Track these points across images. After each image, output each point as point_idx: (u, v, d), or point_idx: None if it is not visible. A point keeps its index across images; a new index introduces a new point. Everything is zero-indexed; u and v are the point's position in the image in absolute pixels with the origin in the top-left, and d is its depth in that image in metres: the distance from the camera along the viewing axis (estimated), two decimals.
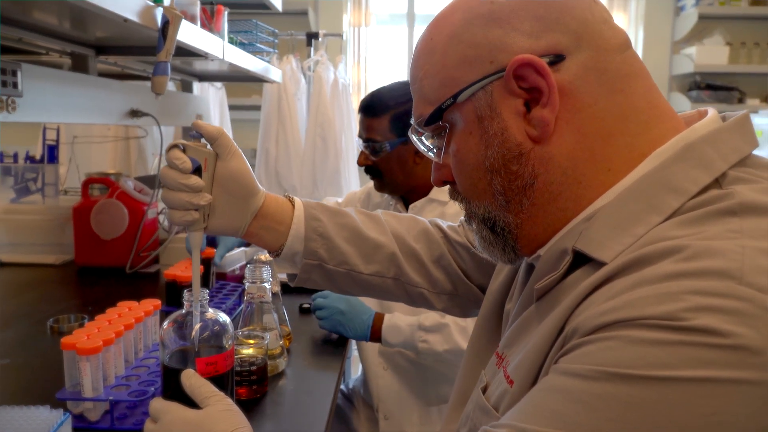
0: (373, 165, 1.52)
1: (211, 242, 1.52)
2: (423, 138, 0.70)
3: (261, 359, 1.02)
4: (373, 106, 1.50)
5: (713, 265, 0.46)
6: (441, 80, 0.65)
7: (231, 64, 1.93)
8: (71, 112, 1.53)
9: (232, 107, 3.39)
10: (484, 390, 0.66)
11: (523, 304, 0.66)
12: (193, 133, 0.79)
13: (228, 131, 3.28)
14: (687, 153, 0.56)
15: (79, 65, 1.73)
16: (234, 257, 1.66)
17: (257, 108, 3.47)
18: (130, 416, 0.93)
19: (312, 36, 3.11)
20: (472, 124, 0.63)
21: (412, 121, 0.71)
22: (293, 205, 0.90)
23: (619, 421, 0.44)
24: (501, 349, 0.66)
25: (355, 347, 1.65)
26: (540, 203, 0.62)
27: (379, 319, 1.41)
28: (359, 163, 1.55)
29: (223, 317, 0.85)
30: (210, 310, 0.85)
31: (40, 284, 1.74)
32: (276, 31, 2.42)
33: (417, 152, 1.46)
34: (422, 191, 1.54)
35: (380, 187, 1.56)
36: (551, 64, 0.58)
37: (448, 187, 1.60)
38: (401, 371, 1.53)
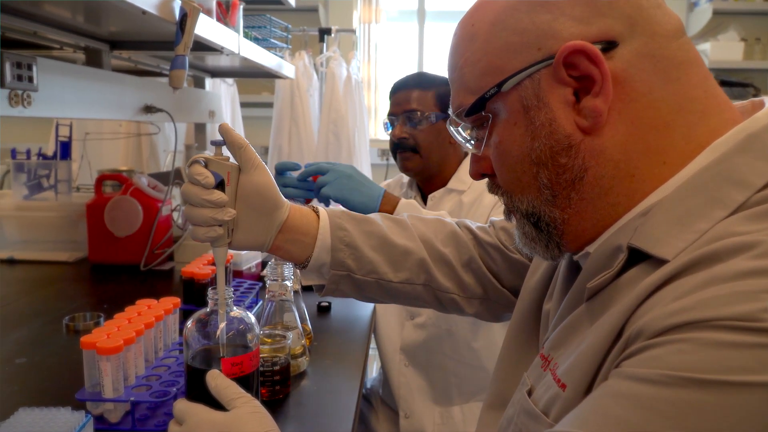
0: (410, 138, 1.50)
1: None
2: (461, 129, 0.67)
3: (284, 359, 0.99)
4: (418, 80, 1.54)
5: None
6: (483, 68, 0.61)
7: (244, 60, 1.91)
8: (86, 107, 1.50)
9: (243, 104, 3.36)
10: (530, 393, 0.63)
11: (570, 303, 0.63)
12: (218, 140, 0.78)
13: (240, 128, 3.26)
14: (750, 144, 0.53)
15: (93, 60, 1.71)
16: (250, 255, 1.64)
17: (268, 105, 3.44)
18: (152, 417, 0.90)
19: (324, 32, 3.07)
20: (517, 115, 0.60)
21: (450, 112, 0.68)
22: (318, 216, 0.88)
23: (695, 429, 0.41)
24: (546, 351, 0.63)
25: (374, 345, 1.62)
26: (589, 198, 0.59)
27: (392, 197, 1.31)
28: (395, 136, 1.52)
29: (249, 316, 0.83)
30: (235, 308, 0.82)
31: (53, 282, 1.72)
32: (289, 26, 2.39)
33: None
34: (442, 180, 1.54)
35: (410, 164, 1.53)
36: (603, 51, 0.55)
37: (466, 176, 1.56)
38: (423, 368, 1.50)
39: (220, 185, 0.77)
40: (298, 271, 1.00)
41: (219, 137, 0.79)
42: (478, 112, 0.63)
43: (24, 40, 1.53)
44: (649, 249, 0.52)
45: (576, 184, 0.59)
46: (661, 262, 0.50)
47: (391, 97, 1.57)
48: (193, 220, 0.78)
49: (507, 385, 0.73)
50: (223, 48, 1.60)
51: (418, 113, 1.49)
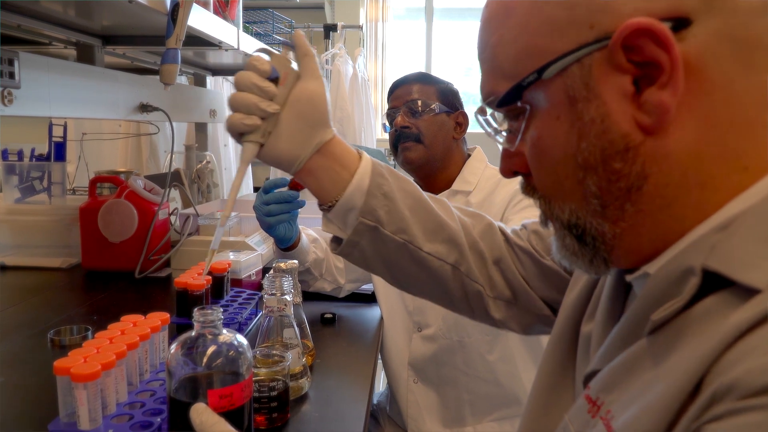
0: (412, 127, 1.45)
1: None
2: (490, 118, 0.57)
3: (282, 383, 0.89)
4: (419, 76, 1.53)
5: None
6: (521, 49, 0.51)
7: (246, 55, 1.82)
8: (75, 106, 1.41)
9: None
10: None
11: (624, 335, 0.52)
12: (288, 42, 0.75)
13: None
14: None
15: (85, 56, 1.62)
16: (250, 261, 1.54)
17: None
18: None
19: (330, 28, 2.99)
20: (561, 107, 0.49)
21: (480, 101, 0.58)
22: (360, 157, 0.80)
23: None
24: (595, 394, 0.52)
25: (380, 358, 1.53)
26: (648, 210, 0.48)
27: None
28: (397, 124, 1.47)
29: (240, 339, 0.73)
30: (225, 331, 0.73)
31: (43, 290, 1.63)
32: (293, 22, 2.30)
33: (456, 129, 1.47)
34: (445, 180, 1.47)
35: (413, 155, 1.45)
36: (674, 31, 0.44)
37: (471, 176, 1.44)
38: (433, 384, 1.40)
39: (275, 81, 0.73)
40: (299, 284, 0.92)
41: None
42: (513, 103, 0.52)
43: (9, 35, 1.44)
44: (732, 274, 0.41)
45: (632, 194, 0.49)
46: (749, 291, 0.40)
47: (390, 95, 1.53)
48: (235, 104, 0.73)
49: (542, 419, 0.63)
50: (221, 42, 1.51)
51: (421, 102, 1.45)
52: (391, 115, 1.49)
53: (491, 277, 0.85)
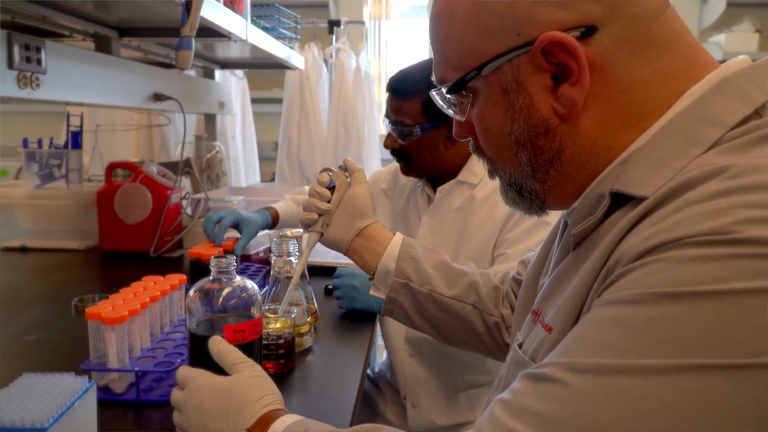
0: (401, 149, 1.44)
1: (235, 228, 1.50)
2: (444, 93, 0.67)
3: (288, 333, 0.99)
4: (403, 88, 1.40)
5: (761, 179, 0.44)
6: (463, 48, 0.61)
7: (253, 48, 1.91)
8: (95, 93, 1.52)
9: (253, 100, 3.37)
10: (520, 347, 0.63)
11: (559, 258, 0.64)
12: (344, 166, 1.04)
13: (250, 123, 3.27)
14: (723, 87, 0.54)
15: (103, 47, 1.72)
16: (258, 240, 1.64)
17: (278, 101, 3.46)
18: (156, 388, 0.91)
19: (334, 23, 3.08)
20: (497, 95, 0.61)
21: (433, 79, 0.68)
22: (394, 234, 1.02)
23: (671, 341, 0.42)
24: (537, 306, 0.64)
25: (380, 334, 1.62)
26: (568, 173, 0.61)
27: None
28: (386, 146, 1.47)
29: (250, 284, 0.83)
30: (237, 277, 0.83)
31: (64, 268, 1.73)
32: (298, 17, 2.40)
33: (449, 137, 1.41)
34: (452, 173, 1.47)
35: (408, 171, 1.49)
36: (582, 37, 0.55)
37: (477, 167, 1.56)
38: (428, 358, 1.49)
39: (333, 189, 1.01)
40: (304, 251, 1.01)
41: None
42: (459, 91, 0.63)
43: (33, 26, 1.54)
44: (629, 190, 0.53)
45: (554, 163, 0.61)
46: (641, 201, 0.51)
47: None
48: (304, 206, 1.01)
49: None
50: (230, 33, 1.60)
51: (404, 127, 1.40)
52: (386, 122, 1.49)
53: (503, 311, 0.99)
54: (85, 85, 1.47)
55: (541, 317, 0.61)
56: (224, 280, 0.81)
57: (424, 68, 1.42)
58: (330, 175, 1.02)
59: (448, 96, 0.65)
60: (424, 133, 1.39)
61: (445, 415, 1.45)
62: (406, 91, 1.39)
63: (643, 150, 0.55)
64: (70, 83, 1.40)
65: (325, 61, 3.12)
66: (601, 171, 0.58)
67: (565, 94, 0.56)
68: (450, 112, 0.67)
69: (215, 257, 0.81)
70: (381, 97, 4.07)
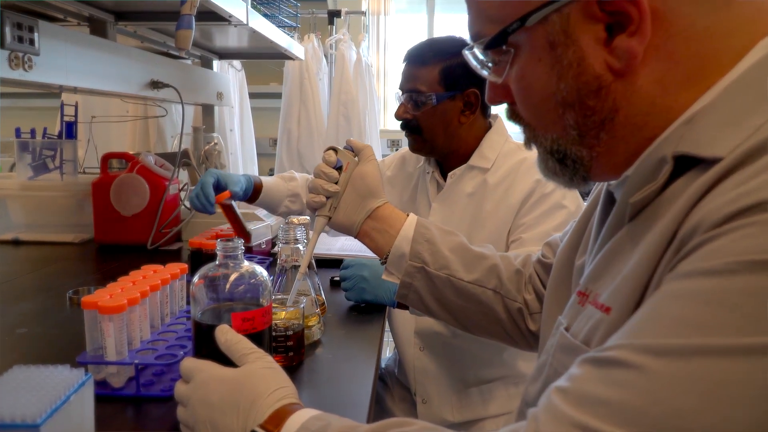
0: (413, 119, 1.38)
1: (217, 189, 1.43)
2: (477, 52, 0.61)
3: (298, 325, 0.93)
4: (422, 54, 1.38)
5: None
6: None
7: (253, 35, 1.86)
8: (90, 77, 1.45)
9: (251, 95, 3.31)
10: (567, 330, 0.57)
11: (608, 233, 0.57)
12: (350, 146, 0.97)
13: (248, 116, 3.21)
14: None
15: (98, 32, 1.65)
16: (260, 231, 1.58)
17: (276, 96, 3.39)
18: (158, 383, 0.85)
19: (334, 14, 3.02)
20: (542, 51, 0.54)
21: (468, 40, 0.62)
22: (407, 216, 0.95)
23: None
24: (584, 286, 0.57)
25: (388, 329, 1.56)
26: (621, 136, 0.54)
27: None
28: (397, 116, 1.41)
29: (259, 269, 0.77)
30: (245, 262, 0.77)
31: (58, 260, 1.67)
32: (298, 5, 2.34)
33: (463, 111, 1.37)
34: (462, 156, 1.42)
35: (416, 146, 1.43)
36: None
37: (489, 151, 1.49)
38: (438, 352, 1.43)
39: (340, 169, 0.94)
40: (312, 236, 0.96)
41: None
42: (499, 46, 0.57)
43: (26, 8, 1.47)
44: (699, 152, 0.47)
45: (606, 125, 0.54)
46: (712, 163, 0.45)
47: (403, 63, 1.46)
48: (310, 187, 0.95)
49: (543, 348, 0.68)
50: (231, 16, 1.54)
51: (419, 96, 1.36)
52: (399, 94, 1.45)
53: (526, 296, 0.93)
54: (80, 69, 1.40)
55: (592, 298, 0.54)
56: (231, 264, 0.76)
57: (447, 40, 1.41)
58: (337, 155, 0.95)
59: (483, 56, 0.59)
60: (439, 102, 1.36)
61: (456, 412, 1.40)
62: (425, 57, 1.38)
63: (712, 108, 0.49)
64: (65, 66, 1.34)
65: (325, 55, 3.06)
66: (660, 133, 0.52)
67: (622, 46, 0.50)
68: (484, 73, 0.61)
69: (221, 240, 0.75)
70: (381, 93, 4.01)
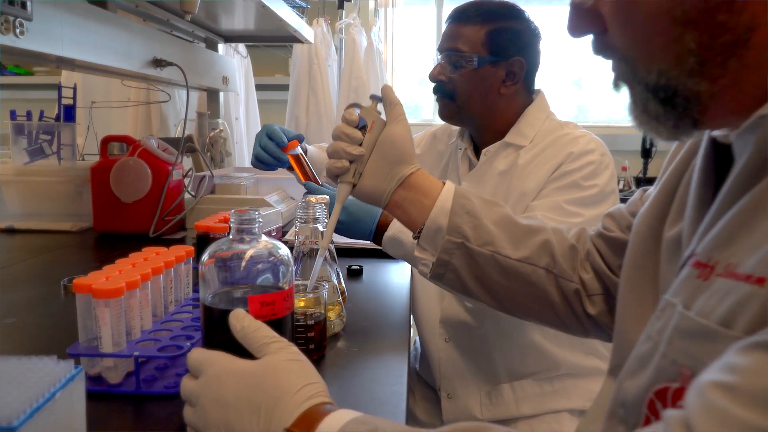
0: (449, 82, 1.28)
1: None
2: None
3: (320, 314, 0.82)
4: (469, 12, 1.28)
5: None
6: None
7: (261, 15, 1.75)
8: (87, 49, 1.35)
9: (256, 86, 3.20)
10: (686, 309, 0.45)
11: (733, 192, 0.46)
12: (377, 96, 0.85)
13: (254, 104, 3.10)
14: None
15: (97, 2, 1.54)
16: (269, 218, 1.47)
17: (282, 88, 3.28)
18: (161, 378, 0.74)
19: None
20: None
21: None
22: (444, 184, 0.85)
23: None
24: (706, 256, 0.45)
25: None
26: (755, 63, 0.43)
27: (383, 225, 1.12)
28: (432, 77, 1.31)
29: (280, 245, 0.66)
30: (264, 237, 0.66)
31: (54, 249, 1.56)
32: None
33: (505, 81, 1.26)
34: (498, 132, 1.31)
35: (446, 112, 1.32)
36: None
37: (527, 128, 1.36)
38: (465, 343, 1.32)
39: (364, 129, 0.83)
40: (335, 207, 0.85)
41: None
42: None
43: None
44: None
45: (737, 49, 0.43)
46: None
47: (446, 24, 1.35)
48: (329, 151, 0.84)
49: (632, 336, 0.56)
50: None
51: (460, 54, 1.25)
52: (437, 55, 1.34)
53: (582, 276, 0.82)
54: (77, 39, 1.30)
55: (722, 269, 0.43)
56: (247, 239, 0.64)
57: (498, 3, 1.30)
58: (359, 113, 0.83)
59: None
60: (480, 66, 1.25)
61: (485, 408, 1.29)
62: (472, 15, 1.27)
63: None
64: (60, 35, 1.23)
65: (334, 41, 2.94)
66: None
67: None
68: None
69: (235, 211, 0.64)
70: (391, 83, 3.90)
